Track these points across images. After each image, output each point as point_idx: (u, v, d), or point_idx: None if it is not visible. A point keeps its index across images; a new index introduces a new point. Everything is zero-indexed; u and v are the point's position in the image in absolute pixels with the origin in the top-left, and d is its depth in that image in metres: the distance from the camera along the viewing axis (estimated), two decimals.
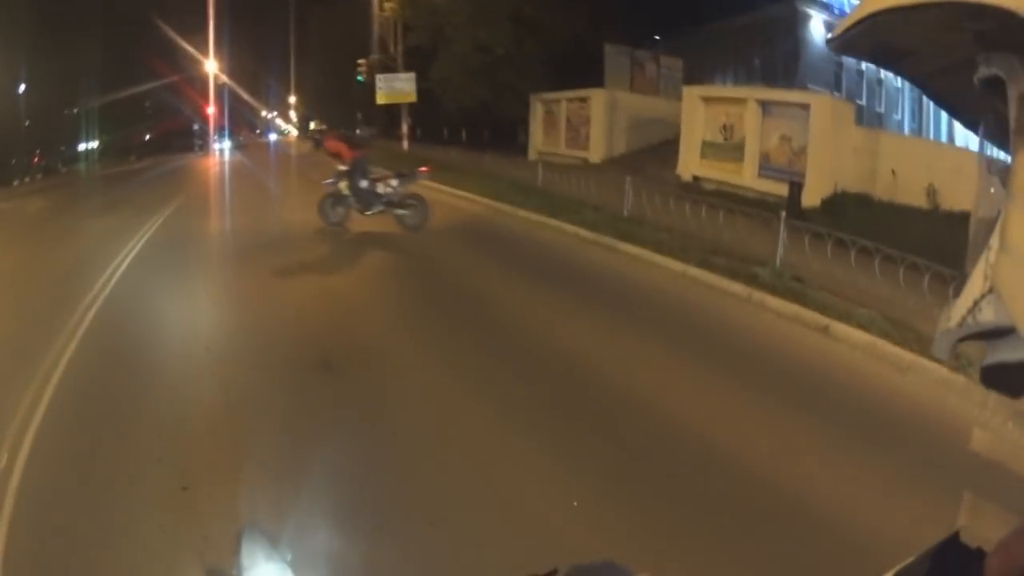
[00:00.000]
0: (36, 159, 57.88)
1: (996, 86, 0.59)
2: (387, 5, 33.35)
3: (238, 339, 8.69)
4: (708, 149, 16.47)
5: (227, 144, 60.58)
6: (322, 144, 17.01)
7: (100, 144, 63.30)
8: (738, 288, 9.29)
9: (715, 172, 16.09)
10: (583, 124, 23.59)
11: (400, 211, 14.12)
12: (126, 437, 6.29)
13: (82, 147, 63.07)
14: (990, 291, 0.60)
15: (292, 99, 70.38)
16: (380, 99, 33.18)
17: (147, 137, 67.45)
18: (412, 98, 32.53)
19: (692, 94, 17.75)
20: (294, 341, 8.41)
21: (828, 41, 0.69)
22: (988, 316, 0.60)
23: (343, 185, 14.31)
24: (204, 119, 64.02)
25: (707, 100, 16.80)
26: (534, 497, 4.74)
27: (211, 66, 58.96)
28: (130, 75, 58.78)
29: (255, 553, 3.45)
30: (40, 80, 51.90)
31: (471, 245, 13.10)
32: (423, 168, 15.30)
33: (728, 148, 15.85)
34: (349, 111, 42.38)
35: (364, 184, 14.26)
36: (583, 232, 12.86)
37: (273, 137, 74.64)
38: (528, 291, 9.74)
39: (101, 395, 7.38)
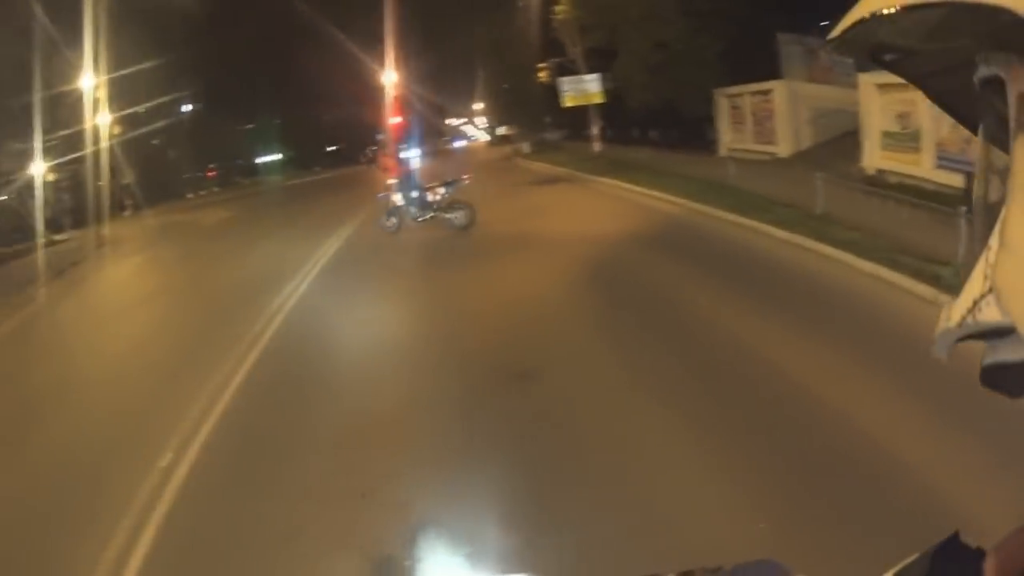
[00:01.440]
0: (211, 173, 61.27)
1: (996, 86, 0.60)
2: (559, 8, 33.64)
3: (432, 347, 9.08)
4: (888, 140, 16.34)
5: (414, 152, 61.91)
6: (375, 161, 19.14)
7: (283, 156, 66.22)
8: (922, 289, 9.30)
9: (896, 164, 16.04)
10: (768, 118, 23.45)
11: (448, 215, 16.19)
12: (305, 444, 6.74)
13: (264, 159, 66.57)
14: (990, 291, 0.58)
15: (478, 105, 71.70)
16: (567, 101, 34.03)
17: (332, 148, 70.56)
18: (599, 99, 33.14)
19: (867, 82, 17.44)
20: (490, 350, 8.65)
21: (827, 41, 0.70)
22: (988, 316, 0.59)
23: (396, 197, 16.44)
24: (388, 129, 65.96)
25: (881, 87, 16.56)
26: (713, 512, 4.79)
27: (391, 76, 60.49)
28: (311, 90, 62.24)
29: (432, 545, 4.78)
30: (214, 97, 54.60)
31: (663, 246, 13.60)
32: (465, 176, 17.20)
33: (906, 138, 15.72)
34: (535, 115, 43.66)
35: (416, 194, 16.46)
36: (775, 231, 13.12)
37: (460, 144, 76.47)
38: (721, 294, 9.96)
39: (283, 400, 8.01)
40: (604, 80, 32.56)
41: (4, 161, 32.76)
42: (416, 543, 4.84)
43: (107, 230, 32.48)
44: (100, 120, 35.48)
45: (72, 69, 32.71)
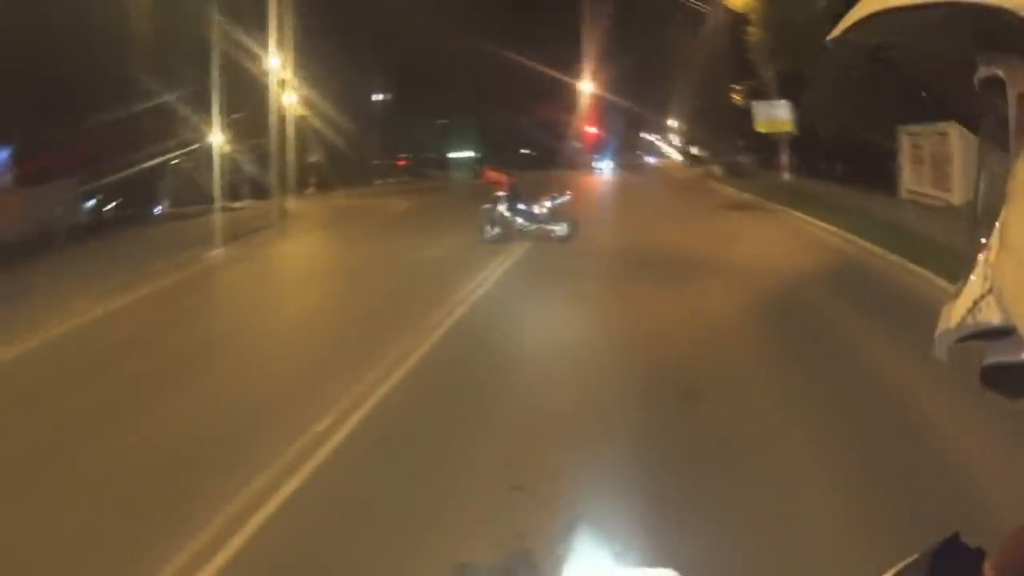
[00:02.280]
0: (401, 162, 63.04)
1: (996, 86, 0.59)
2: (751, 29, 33.08)
3: (605, 357, 9.25)
4: None
5: (607, 164, 61.91)
6: (481, 175, 19.75)
7: (476, 154, 66.42)
8: None
9: None
10: (945, 162, 22.23)
11: (551, 226, 17.13)
12: (468, 432, 6.85)
13: (455, 155, 67.73)
14: (990, 291, 0.59)
15: (672, 122, 71.39)
16: (759, 127, 33.51)
17: (525, 151, 70.80)
18: (789, 127, 32.42)
19: None
20: (660, 366, 8.72)
21: (827, 41, 0.68)
22: (988, 316, 0.59)
23: (502, 208, 17.34)
24: (583, 138, 67.36)
25: None
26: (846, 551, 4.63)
27: (587, 85, 61.26)
28: (507, 92, 63.39)
29: (585, 541, 4.36)
30: (408, 89, 55.92)
31: (837, 285, 13.59)
32: (567, 192, 18.11)
33: None
34: (728, 137, 43.15)
35: (522, 205, 17.45)
36: (943, 283, 12.24)
37: (652, 160, 76.14)
38: (886, 340, 9.70)
39: (453, 388, 8.20)
40: (793, 108, 31.85)
41: (184, 131, 34.19)
42: (561, 539, 4.95)
43: (289, 204, 33.48)
44: (287, 99, 36.66)
45: (261, 47, 33.83)
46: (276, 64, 33.89)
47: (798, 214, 22.70)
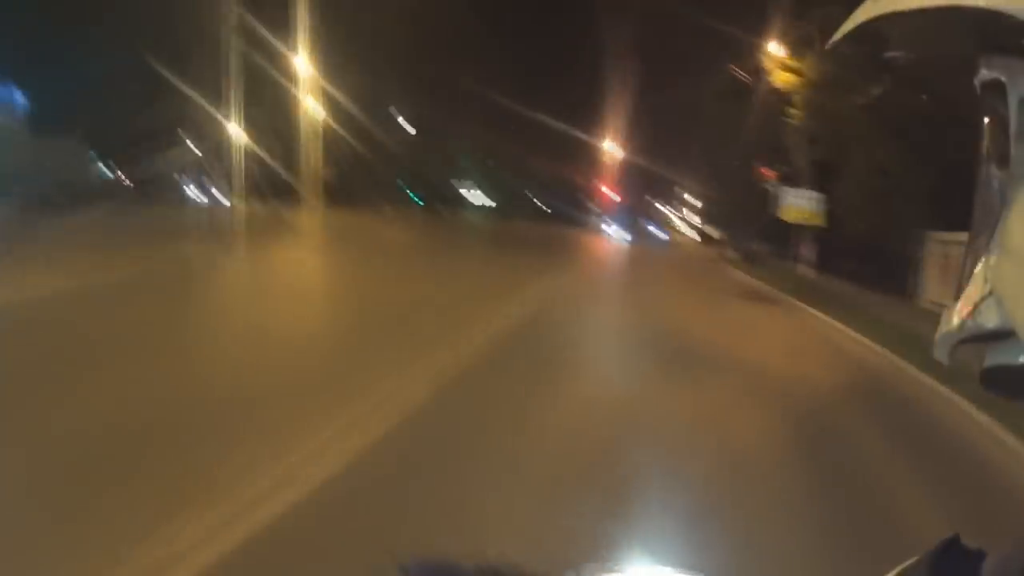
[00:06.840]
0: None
1: (997, 90, 0.60)
2: (793, 111, 31.66)
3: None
4: None
5: (616, 229, 60.13)
6: None
7: (488, 196, 67.15)
8: None
9: None
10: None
11: None
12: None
13: (468, 195, 67.59)
14: (990, 294, 0.59)
15: (690, 198, 69.48)
16: (784, 215, 31.97)
17: (540, 206, 71.08)
18: (819, 221, 31.11)
19: None
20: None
21: (829, 44, 0.73)
22: (988, 319, 0.60)
23: None
24: (598, 200, 66.97)
25: None
26: None
27: (608, 146, 60.37)
28: (526, 142, 61.36)
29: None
30: (430, 125, 55.75)
31: (862, 405, 12.20)
32: None
33: None
34: (747, 221, 41.89)
35: None
36: (973, 411, 11.31)
37: (661, 234, 72.50)
38: (908, 476, 8.42)
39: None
40: (824, 201, 30.64)
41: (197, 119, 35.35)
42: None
43: (287, 214, 34.62)
44: (311, 103, 37.74)
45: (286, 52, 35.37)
46: (302, 63, 35.25)
47: (817, 313, 21.57)
